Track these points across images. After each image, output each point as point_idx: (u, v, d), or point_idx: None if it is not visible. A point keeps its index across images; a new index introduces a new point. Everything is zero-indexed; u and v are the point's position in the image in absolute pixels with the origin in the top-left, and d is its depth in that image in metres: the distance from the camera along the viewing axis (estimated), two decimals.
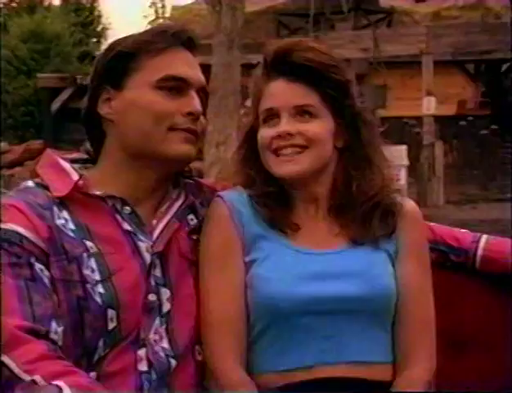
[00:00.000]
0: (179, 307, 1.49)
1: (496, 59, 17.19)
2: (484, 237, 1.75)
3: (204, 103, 1.57)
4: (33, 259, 1.38)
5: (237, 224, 1.52)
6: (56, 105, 18.05)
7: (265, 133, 1.53)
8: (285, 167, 1.51)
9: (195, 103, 1.51)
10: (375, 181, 1.55)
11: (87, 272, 1.41)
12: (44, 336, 1.31)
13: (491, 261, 1.71)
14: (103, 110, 1.51)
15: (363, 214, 1.53)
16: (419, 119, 15.06)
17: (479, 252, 1.72)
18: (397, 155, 11.31)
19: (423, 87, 14.82)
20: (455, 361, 1.64)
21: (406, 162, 12.57)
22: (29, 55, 21.34)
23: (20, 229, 1.39)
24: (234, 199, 1.55)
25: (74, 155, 1.61)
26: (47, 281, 1.38)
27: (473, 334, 1.74)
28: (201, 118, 1.55)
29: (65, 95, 17.51)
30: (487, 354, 1.71)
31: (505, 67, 18.86)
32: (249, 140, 1.60)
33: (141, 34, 1.54)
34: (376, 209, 1.54)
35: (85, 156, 1.60)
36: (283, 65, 1.53)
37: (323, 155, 1.53)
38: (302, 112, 1.52)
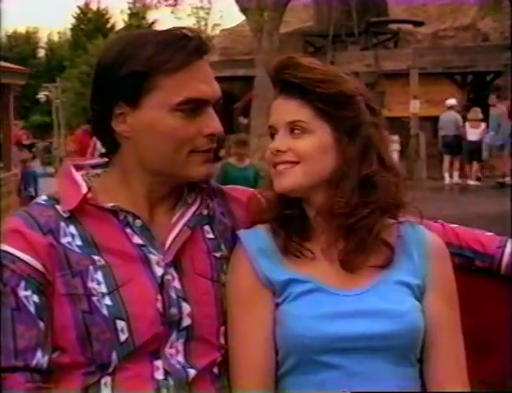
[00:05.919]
0: (199, 325, 1.44)
1: (481, 71, 19.48)
2: (510, 242, 1.65)
3: (219, 111, 1.47)
4: (22, 284, 1.34)
5: (260, 276, 1.47)
6: None
7: (267, 149, 1.50)
8: (279, 181, 1.47)
9: (216, 123, 1.42)
10: (379, 199, 1.45)
11: (92, 285, 1.37)
12: (23, 368, 1.31)
13: None
14: (118, 126, 1.41)
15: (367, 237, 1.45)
16: (408, 118, 17.20)
17: (505, 258, 1.63)
18: (392, 142, 12.72)
19: (411, 93, 17.25)
20: (478, 364, 1.59)
21: (398, 147, 15.18)
22: None
23: (14, 250, 1.35)
24: (254, 248, 1.49)
25: (95, 161, 1.55)
26: (32, 308, 1.34)
27: (496, 337, 1.69)
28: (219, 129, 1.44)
29: None
30: (511, 357, 1.66)
31: (489, 77, 20.43)
32: None
33: (157, 49, 1.37)
34: (379, 229, 1.46)
35: (105, 160, 1.53)
36: (279, 83, 1.49)
37: (316, 171, 1.45)
38: (294, 128, 1.46)
